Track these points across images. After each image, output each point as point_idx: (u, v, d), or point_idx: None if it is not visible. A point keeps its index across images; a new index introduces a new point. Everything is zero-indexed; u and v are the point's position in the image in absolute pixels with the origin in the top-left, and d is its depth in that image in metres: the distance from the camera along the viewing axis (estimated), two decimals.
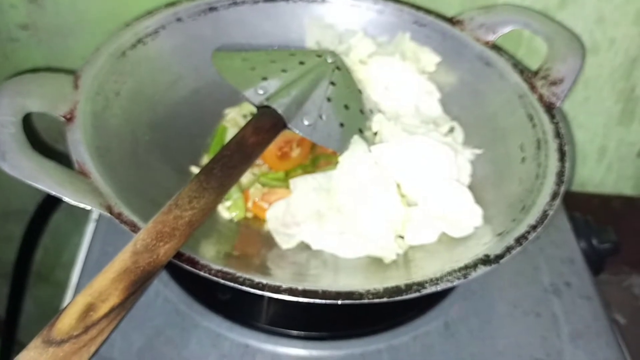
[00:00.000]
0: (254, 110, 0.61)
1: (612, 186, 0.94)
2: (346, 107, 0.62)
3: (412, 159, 0.59)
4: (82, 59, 0.60)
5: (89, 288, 0.38)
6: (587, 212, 0.75)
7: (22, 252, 0.90)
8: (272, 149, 0.64)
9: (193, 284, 0.59)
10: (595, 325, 0.61)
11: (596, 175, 0.93)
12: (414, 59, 0.70)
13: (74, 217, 0.98)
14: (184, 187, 0.46)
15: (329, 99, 0.61)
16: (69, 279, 0.65)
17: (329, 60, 0.64)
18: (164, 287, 0.59)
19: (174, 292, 0.59)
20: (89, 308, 0.37)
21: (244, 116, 0.68)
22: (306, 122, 0.59)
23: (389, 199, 0.57)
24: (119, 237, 0.63)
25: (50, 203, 0.87)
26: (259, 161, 0.64)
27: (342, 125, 0.61)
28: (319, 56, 0.64)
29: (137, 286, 0.39)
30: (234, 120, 0.67)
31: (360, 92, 0.66)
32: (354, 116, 0.63)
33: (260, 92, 0.59)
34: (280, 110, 0.57)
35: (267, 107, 0.57)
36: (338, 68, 0.64)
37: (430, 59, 0.70)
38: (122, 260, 0.40)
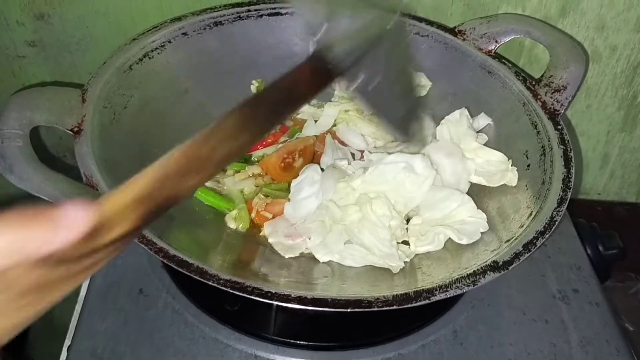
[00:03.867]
0: None
1: (615, 193, 0.94)
2: (401, 71, 0.54)
3: (390, 177, 0.59)
4: (88, 74, 0.61)
5: (102, 205, 0.31)
6: (591, 219, 0.75)
7: None
8: (274, 160, 0.65)
9: (201, 296, 0.59)
10: (604, 331, 0.61)
11: (599, 183, 0.93)
12: None
13: None
14: (224, 118, 0.40)
15: (389, 61, 0.52)
16: (77, 292, 0.65)
17: (393, 21, 0.51)
18: (172, 299, 0.59)
19: (182, 303, 0.59)
20: (99, 229, 0.31)
21: None
22: (359, 83, 0.49)
23: (383, 208, 0.57)
24: (127, 249, 0.63)
25: None
26: (261, 172, 0.65)
27: (397, 90, 0.53)
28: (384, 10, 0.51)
29: (152, 215, 0.34)
30: None
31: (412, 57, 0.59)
32: (406, 84, 0.54)
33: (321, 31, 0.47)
34: (338, 60, 0.47)
35: (325, 51, 0.47)
36: (401, 27, 0.53)
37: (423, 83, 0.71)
38: (145, 183, 0.34)
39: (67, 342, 0.60)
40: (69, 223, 0.28)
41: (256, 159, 0.67)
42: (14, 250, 0.27)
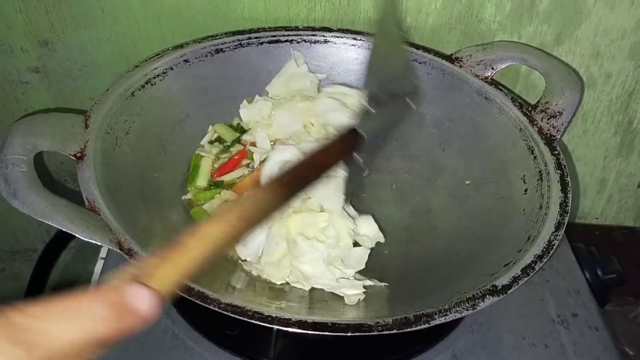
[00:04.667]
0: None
1: (613, 217, 0.95)
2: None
3: None
4: (91, 100, 0.62)
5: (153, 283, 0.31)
6: (589, 243, 0.75)
7: (31, 291, 0.89)
8: (248, 184, 0.65)
9: (201, 320, 0.59)
10: (604, 356, 0.61)
11: (597, 207, 0.93)
12: None
13: (82, 256, 0.98)
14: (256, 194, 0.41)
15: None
16: None
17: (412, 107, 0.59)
18: (172, 324, 0.59)
19: (182, 328, 0.59)
20: None
21: (210, 142, 0.69)
22: (359, 159, 0.53)
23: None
24: None
25: (59, 242, 0.88)
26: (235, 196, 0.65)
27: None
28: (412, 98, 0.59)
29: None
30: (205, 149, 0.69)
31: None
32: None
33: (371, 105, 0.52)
34: (365, 142, 0.51)
35: (356, 131, 0.51)
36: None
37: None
38: (190, 259, 0.34)
39: None
40: (137, 307, 0.30)
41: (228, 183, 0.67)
42: (90, 333, 0.28)
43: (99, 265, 0.70)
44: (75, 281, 1.04)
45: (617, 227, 0.94)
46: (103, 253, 0.72)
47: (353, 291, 0.56)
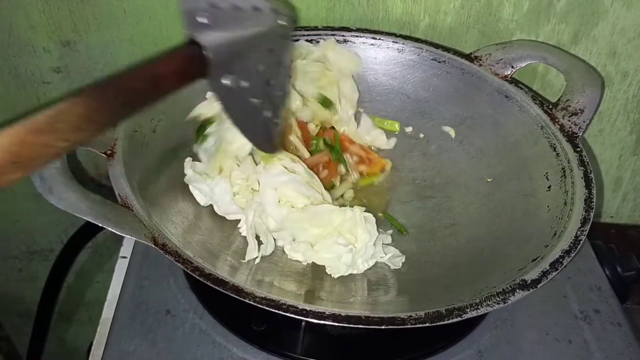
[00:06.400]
0: None
1: (628, 216, 0.95)
2: (268, 83, 0.52)
3: None
4: None
5: None
6: (605, 241, 0.76)
7: (47, 292, 0.90)
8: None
9: (228, 316, 0.60)
10: (628, 351, 0.61)
11: (612, 206, 0.94)
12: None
13: (98, 256, 0.99)
14: (69, 104, 0.35)
15: (261, 67, 0.50)
16: (93, 318, 0.65)
17: (281, 22, 0.51)
18: (199, 320, 0.60)
19: (209, 324, 0.60)
20: None
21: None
22: (226, 82, 0.47)
23: None
24: (153, 270, 0.64)
25: (77, 243, 0.88)
26: None
27: (256, 101, 0.51)
28: (275, 12, 0.50)
29: None
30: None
31: (289, 71, 0.56)
32: (270, 96, 0.53)
33: (202, 19, 0.45)
34: (210, 55, 0.44)
35: (198, 45, 0.44)
36: (285, 36, 0.52)
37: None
38: None
39: None
40: None
41: None
42: None
43: (119, 264, 0.71)
44: (91, 281, 1.05)
45: (632, 225, 0.94)
46: (123, 252, 0.72)
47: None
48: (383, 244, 0.61)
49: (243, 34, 0.46)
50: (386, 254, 0.60)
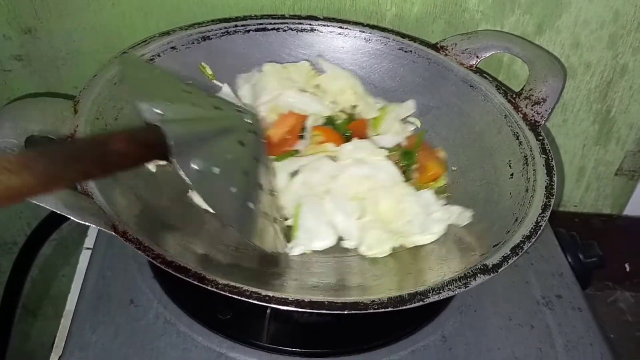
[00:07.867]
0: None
1: (591, 205, 0.97)
2: (245, 173, 0.56)
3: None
4: (74, 89, 0.61)
5: None
6: (569, 230, 0.77)
7: (11, 286, 0.88)
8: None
9: (193, 305, 0.59)
10: (588, 335, 0.62)
11: (576, 195, 0.96)
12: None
13: (64, 249, 0.97)
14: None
15: (231, 156, 0.54)
16: (59, 312, 0.64)
17: (247, 120, 0.58)
18: (163, 309, 0.59)
19: (174, 313, 0.59)
20: None
21: None
22: (195, 166, 0.49)
23: None
24: (117, 260, 0.63)
25: (41, 235, 0.87)
26: None
27: (234, 190, 0.53)
28: (239, 111, 0.60)
29: None
30: None
31: (267, 167, 0.61)
32: (248, 187, 0.55)
33: (158, 111, 0.48)
34: (170, 139, 0.46)
35: (157, 127, 0.47)
36: (254, 132, 0.59)
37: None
38: None
39: (54, 357, 0.59)
40: None
41: None
42: None
43: (83, 256, 0.70)
44: (55, 275, 1.03)
45: (596, 214, 0.96)
46: (88, 243, 0.71)
47: None
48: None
49: (203, 128, 0.51)
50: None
